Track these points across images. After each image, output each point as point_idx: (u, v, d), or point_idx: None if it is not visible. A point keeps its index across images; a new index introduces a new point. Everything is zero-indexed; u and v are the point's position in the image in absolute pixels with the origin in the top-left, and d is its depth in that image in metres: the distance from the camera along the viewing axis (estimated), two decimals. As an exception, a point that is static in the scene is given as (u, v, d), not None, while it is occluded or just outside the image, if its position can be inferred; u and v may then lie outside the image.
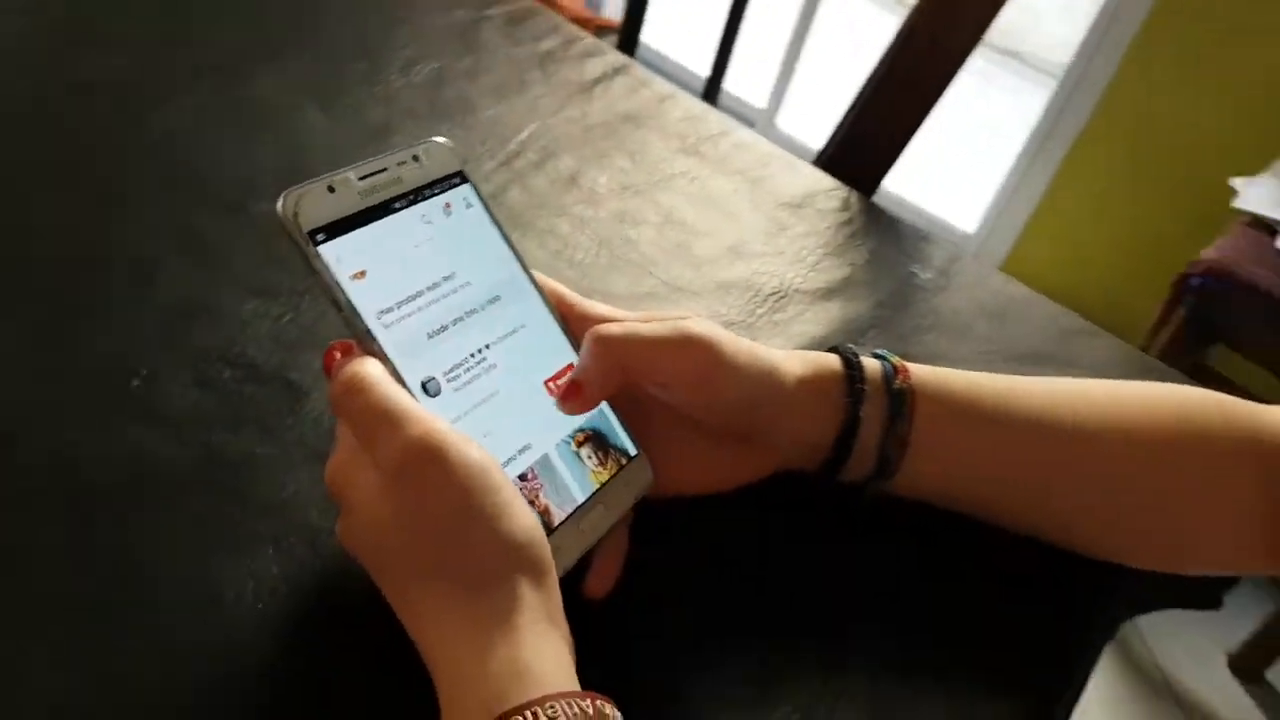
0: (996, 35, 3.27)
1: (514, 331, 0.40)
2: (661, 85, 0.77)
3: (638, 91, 0.76)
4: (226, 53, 0.66)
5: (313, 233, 0.36)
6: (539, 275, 0.42)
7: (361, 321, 0.36)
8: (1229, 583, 0.60)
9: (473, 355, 0.38)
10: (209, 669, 0.34)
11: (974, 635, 0.43)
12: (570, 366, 0.41)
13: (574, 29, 0.82)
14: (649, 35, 1.71)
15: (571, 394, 0.39)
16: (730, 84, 2.12)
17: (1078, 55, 1.94)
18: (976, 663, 0.42)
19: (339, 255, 0.36)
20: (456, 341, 0.38)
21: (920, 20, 0.73)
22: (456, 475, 0.33)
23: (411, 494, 0.33)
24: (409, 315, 0.37)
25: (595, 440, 0.40)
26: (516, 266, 0.41)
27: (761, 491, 0.43)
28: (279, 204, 0.36)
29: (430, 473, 0.33)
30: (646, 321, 0.41)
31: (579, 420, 0.40)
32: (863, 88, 0.79)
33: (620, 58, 0.79)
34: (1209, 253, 1.35)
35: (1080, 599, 0.46)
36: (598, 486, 0.39)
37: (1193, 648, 1.61)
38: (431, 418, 0.34)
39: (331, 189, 0.37)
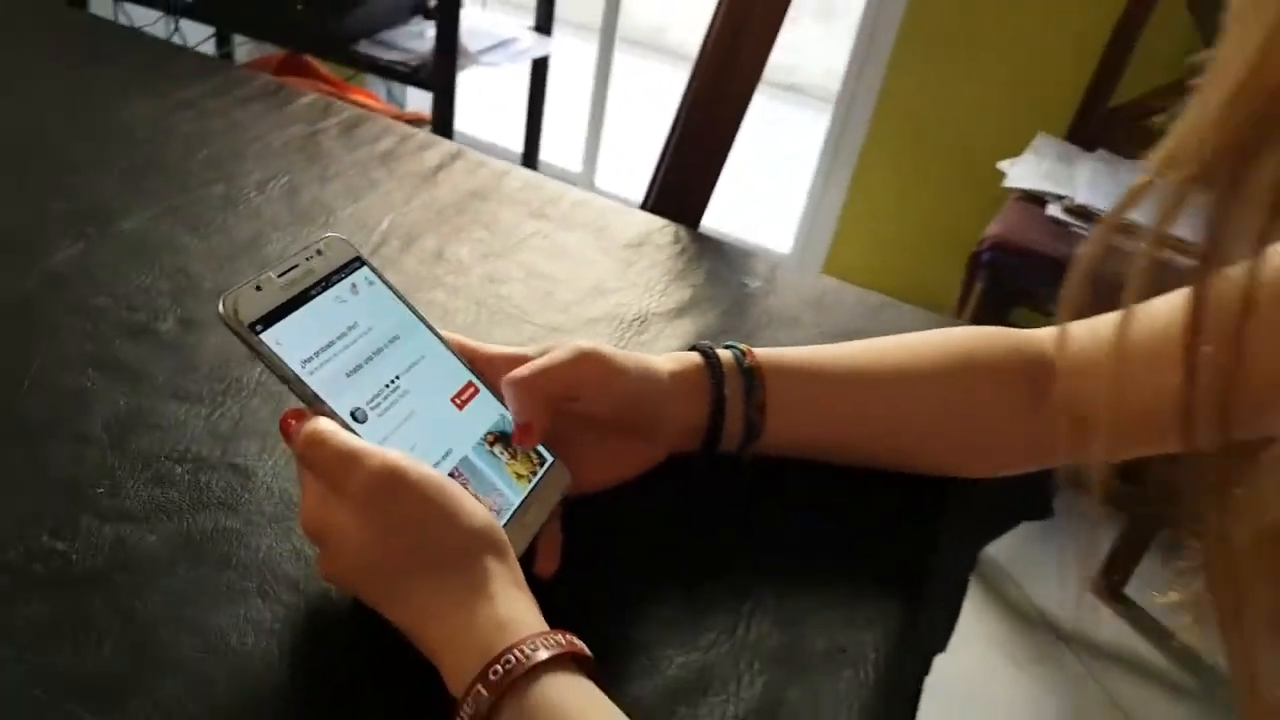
0: (776, 74, 3.51)
1: (417, 362, 0.48)
2: (496, 163, 0.86)
3: (476, 172, 0.84)
4: (97, 198, 0.71)
5: (252, 325, 0.43)
6: (445, 332, 0.50)
7: (308, 388, 0.43)
8: (1053, 492, 0.72)
9: (387, 385, 0.46)
10: (229, 700, 0.40)
11: (847, 556, 0.52)
12: (470, 384, 0.49)
13: (405, 127, 0.90)
14: (459, 123, 1.80)
15: (524, 434, 0.48)
16: (545, 154, 2.24)
17: (845, 79, 2.14)
18: (853, 577, 0.51)
19: (277, 339, 0.43)
20: (373, 376, 0.46)
21: (706, 73, 0.85)
22: (416, 489, 0.40)
23: (383, 512, 0.40)
24: (330, 360, 0.45)
25: (503, 439, 0.48)
26: (412, 316, 0.49)
27: (662, 473, 0.52)
28: (219, 307, 0.43)
29: (396, 492, 0.40)
30: (542, 353, 0.49)
31: (486, 425, 0.48)
32: (668, 138, 0.90)
33: (453, 145, 0.88)
34: (992, 229, 1.53)
35: (925, 522, 0.56)
36: (526, 489, 0.47)
37: (1063, 582, 1.77)
38: (383, 450, 0.41)
39: (259, 288, 0.44)
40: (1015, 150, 1.75)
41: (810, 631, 0.47)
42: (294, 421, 0.43)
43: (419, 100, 2.49)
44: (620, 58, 2.54)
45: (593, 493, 0.51)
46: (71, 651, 0.41)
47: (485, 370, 0.50)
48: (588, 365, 0.49)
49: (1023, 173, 1.65)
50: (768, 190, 2.99)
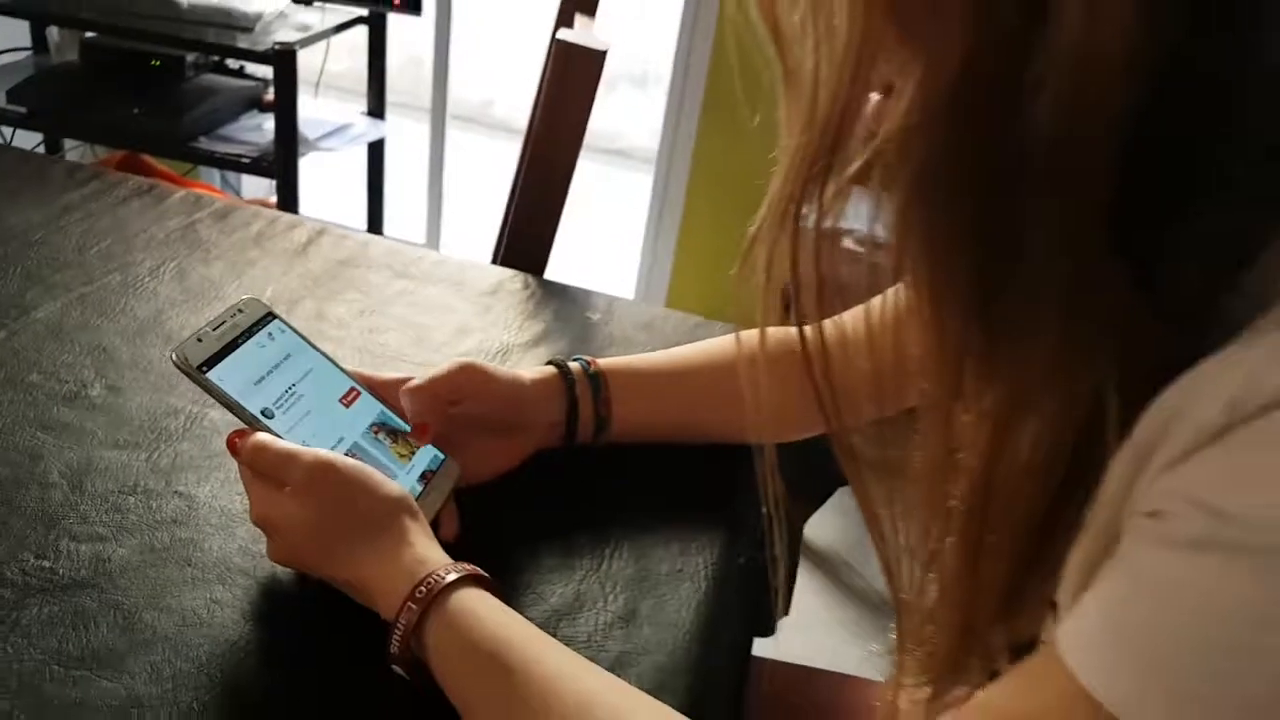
0: (602, 140, 3.73)
1: (307, 374, 0.60)
2: (358, 235, 0.99)
3: (341, 244, 0.96)
4: (7, 295, 0.80)
5: (198, 367, 0.55)
6: (349, 367, 0.63)
7: (247, 411, 0.55)
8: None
9: (287, 390, 0.58)
10: (207, 656, 0.51)
11: (680, 508, 0.67)
12: (353, 389, 0.62)
13: (271, 211, 1.02)
14: (303, 207, 1.90)
15: (420, 432, 0.61)
16: (389, 230, 2.35)
17: (661, 142, 2.35)
18: (685, 522, 0.65)
19: (220, 376, 0.55)
20: (276, 383, 0.58)
21: (536, 142, 1.00)
22: (343, 473, 0.53)
23: (320, 495, 0.52)
24: (262, 389, 0.57)
25: (386, 429, 0.61)
26: (305, 343, 0.61)
27: (538, 463, 0.65)
28: (171, 356, 0.55)
29: (329, 476, 0.52)
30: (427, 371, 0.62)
31: (369, 419, 0.61)
32: (509, 200, 1.05)
33: (317, 223, 1.00)
34: (755, 256, 1.73)
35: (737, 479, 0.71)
36: (409, 465, 0.59)
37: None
38: (313, 449, 0.53)
39: (200, 339, 0.56)
40: (816, 191, 1.96)
41: (655, 561, 0.61)
42: (238, 439, 0.55)
43: (254, 187, 2.57)
44: (452, 133, 2.68)
45: (477, 483, 0.64)
46: (74, 636, 0.51)
47: (383, 392, 0.63)
48: (466, 374, 0.62)
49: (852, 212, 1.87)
50: (609, 246, 3.17)
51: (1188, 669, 0.30)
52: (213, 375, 0.55)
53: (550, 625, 0.56)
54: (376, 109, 2.11)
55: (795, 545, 0.91)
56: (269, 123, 1.90)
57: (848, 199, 0.40)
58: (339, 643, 0.53)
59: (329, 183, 2.92)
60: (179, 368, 0.55)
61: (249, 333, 0.59)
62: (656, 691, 0.50)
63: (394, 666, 0.50)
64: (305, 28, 1.89)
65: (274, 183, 1.85)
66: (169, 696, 0.49)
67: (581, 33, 1.06)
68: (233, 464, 0.56)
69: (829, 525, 1.97)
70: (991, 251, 0.35)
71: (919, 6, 0.34)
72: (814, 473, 0.84)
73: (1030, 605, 0.40)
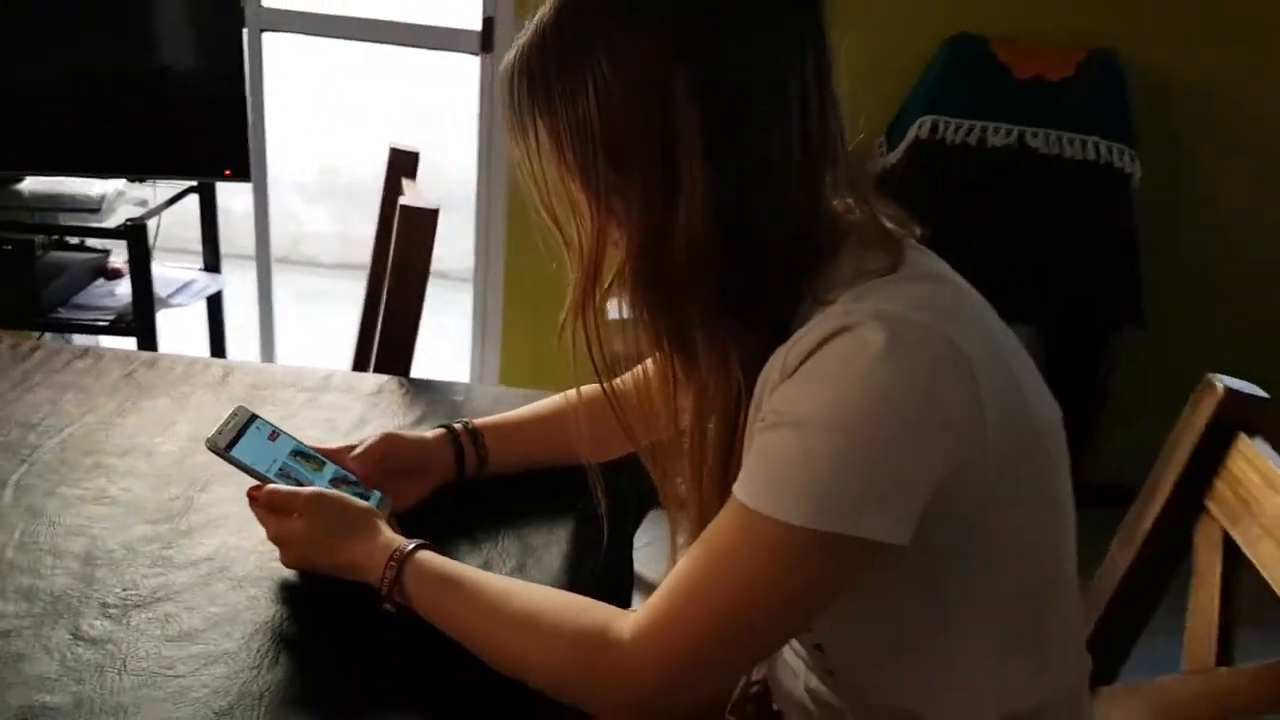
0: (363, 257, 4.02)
1: (287, 448, 0.91)
2: (260, 365, 1.28)
3: (251, 373, 1.26)
4: (13, 443, 1.05)
5: (225, 448, 0.85)
6: (312, 444, 0.94)
7: (260, 472, 0.86)
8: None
9: (277, 459, 0.89)
10: (252, 629, 0.80)
11: (546, 509, 1.00)
12: (315, 457, 0.92)
13: (188, 357, 1.29)
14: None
15: (366, 481, 0.92)
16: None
17: (476, 262, 2.71)
18: (549, 522, 0.99)
19: (239, 453, 0.86)
20: (271, 455, 0.89)
21: (391, 282, 1.33)
22: (330, 498, 0.84)
23: (316, 514, 0.83)
24: (267, 459, 0.88)
25: (343, 481, 0.92)
26: (280, 430, 0.92)
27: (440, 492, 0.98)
28: (206, 443, 0.85)
29: (321, 502, 0.84)
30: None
31: (330, 474, 0.92)
32: (361, 326, 1.36)
33: (226, 362, 1.29)
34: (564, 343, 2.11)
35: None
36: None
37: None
38: (308, 488, 0.84)
39: (220, 433, 0.87)
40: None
41: (531, 537, 0.95)
42: (254, 491, 0.86)
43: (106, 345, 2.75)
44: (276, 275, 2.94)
45: (405, 509, 0.95)
46: (169, 624, 0.79)
47: (336, 457, 0.94)
48: (389, 439, 0.95)
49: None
50: (440, 347, 3.47)
51: (772, 477, 0.66)
52: (234, 453, 0.86)
53: (473, 579, 0.88)
54: (213, 264, 2.37)
55: (627, 548, 1.25)
56: (118, 288, 2.14)
57: (607, 303, 0.76)
58: (343, 606, 0.84)
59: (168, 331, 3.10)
60: (213, 450, 0.85)
61: (245, 427, 0.90)
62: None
63: (386, 607, 0.81)
64: (143, 202, 2.16)
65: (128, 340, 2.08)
66: (244, 648, 0.78)
67: (412, 195, 1.41)
68: (234, 519, 0.88)
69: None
70: (675, 324, 0.73)
71: (617, 217, 0.71)
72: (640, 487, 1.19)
73: (728, 493, 0.77)
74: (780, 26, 0.70)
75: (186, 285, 2.24)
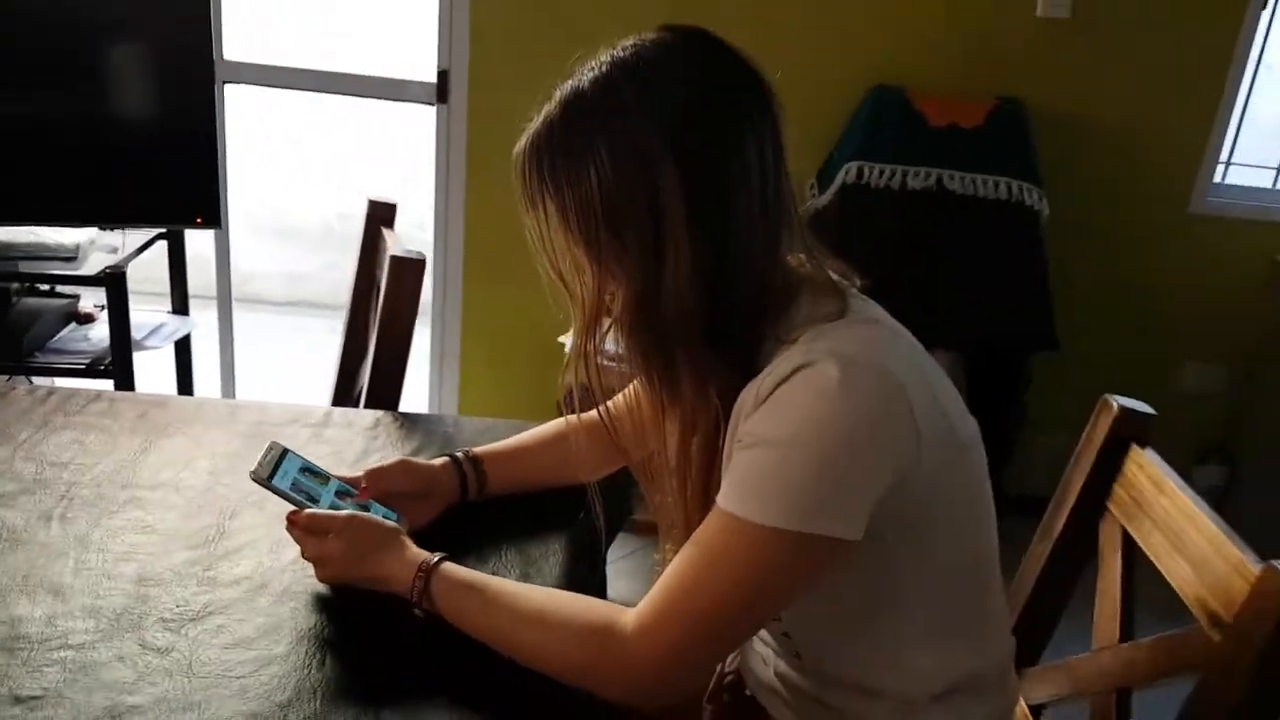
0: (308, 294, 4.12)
1: (317, 478, 1.03)
2: (259, 403, 1.39)
3: (252, 411, 1.37)
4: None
5: (267, 478, 0.97)
6: (336, 473, 1.06)
7: (296, 499, 0.98)
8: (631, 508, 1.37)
9: (310, 488, 1.01)
10: (297, 636, 0.92)
11: (543, 525, 1.13)
12: (344, 491, 1.05)
13: (195, 399, 1.40)
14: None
15: (366, 494, 1.04)
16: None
17: (434, 295, 2.83)
18: (543, 537, 1.12)
19: (278, 483, 0.98)
20: (306, 484, 1.01)
21: (381, 329, 1.45)
22: (362, 520, 0.97)
23: (351, 534, 0.96)
24: (301, 487, 1.00)
25: (361, 508, 1.04)
26: (310, 462, 1.04)
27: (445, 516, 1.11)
28: (251, 475, 0.97)
29: (352, 522, 0.97)
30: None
31: (358, 503, 1.04)
32: (342, 361, 1.48)
33: (225, 401, 1.40)
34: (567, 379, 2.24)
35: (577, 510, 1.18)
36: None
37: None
38: (342, 512, 0.97)
39: (260, 466, 0.99)
40: (566, 327, 2.50)
41: (531, 549, 1.08)
42: (293, 516, 0.98)
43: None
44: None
45: (417, 529, 1.08)
46: (227, 630, 0.91)
47: (354, 482, 1.06)
48: (401, 465, 1.08)
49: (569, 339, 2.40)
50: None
51: (751, 488, 0.81)
52: (275, 482, 0.98)
53: (485, 587, 1.01)
54: (181, 307, 2.46)
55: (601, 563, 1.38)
56: (92, 332, 2.22)
57: (604, 344, 0.90)
58: (375, 614, 0.96)
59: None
60: (256, 481, 0.97)
61: (280, 459, 1.02)
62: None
63: (416, 612, 0.93)
64: (113, 249, 2.24)
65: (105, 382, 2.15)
66: (293, 651, 0.90)
67: (396, 245, 1.54)
68: (264, 541, 1.02)
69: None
70: (663, 361, 0.88)
71: (614, 276, 0.86)
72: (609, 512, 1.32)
73: (709, 504, 0.91)
74: (743, 119, 0.86)
75: (159, 328, 2.32)
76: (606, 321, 0.91)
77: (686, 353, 0.87)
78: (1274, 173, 3.05)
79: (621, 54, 0.87)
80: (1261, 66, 2.93)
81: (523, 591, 0.94)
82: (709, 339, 0.87)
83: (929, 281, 2.55)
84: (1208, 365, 3.10)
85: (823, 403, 0.80)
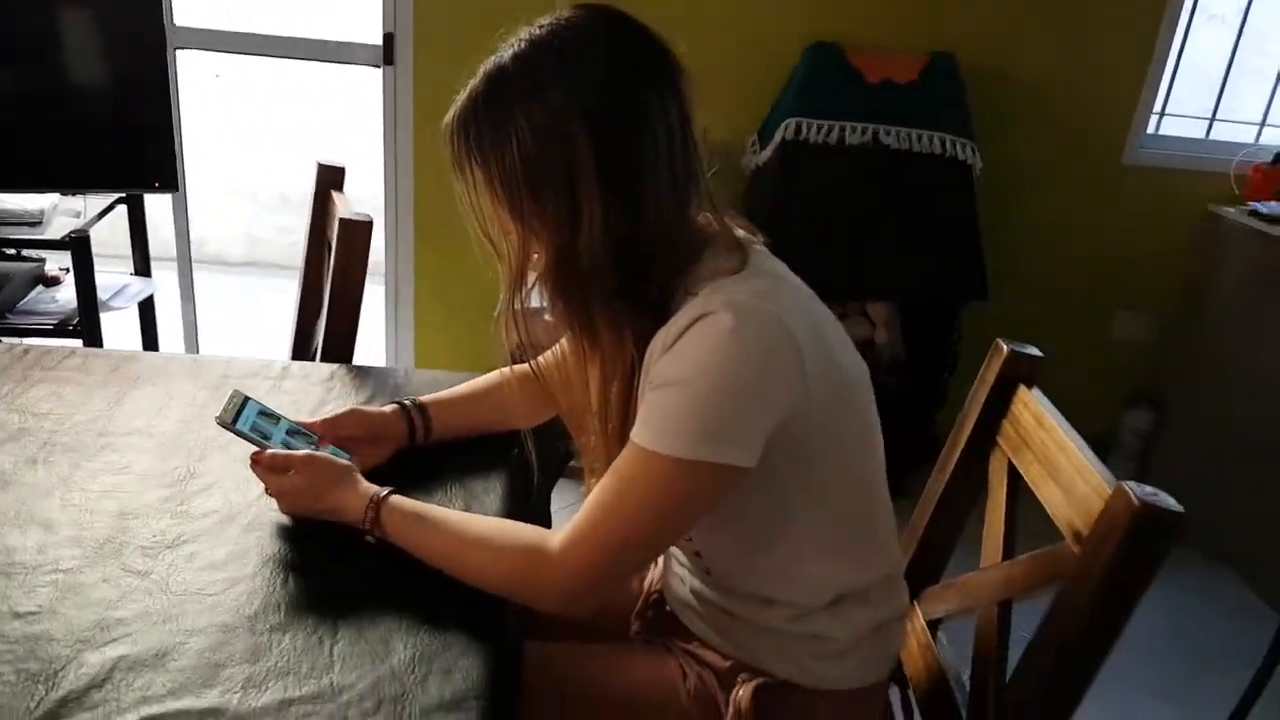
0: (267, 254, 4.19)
1: (277, 421, 1.15)
2: (224, 357, 1.49)
3: (218, 365, 1.47)
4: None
5: (231, 422, 1.08)
6: (295, 418, 1.17)
7: (260, 440, 1.09)
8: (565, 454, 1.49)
9: (270, 430, 1.13)
10: (263, 559, 1.04)
11: (483, 465, 1.25)
12: (299, 430, 1.16)
13: (166, 354, 1.50)
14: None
15: (324, 441, 1.16)
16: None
17: (386, 256, 2.92)
18: (487, 470, 1.24)
19: (240, 425, 1.09)
20: (265, 426, 1.12)
21: (333, 289, 1.55)
22: (320, 459, 1.09)
23: (309, 471, 1.07)
24: (263, 429, 1.11)
25: (314, 446, 1.16)
26: (269, 408, 1.16)
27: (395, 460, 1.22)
28: (216, 419, 1.08)
29: (313, 461, 1.08)
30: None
31: (315, 444, 1.15)
32: (298, 319, 1.58)
33: (192, 357, 1.49)
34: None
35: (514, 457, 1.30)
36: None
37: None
38: (300, 451, 1.08)
39: (225, 411, 1.10)
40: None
41: (474, 484, 1.19)
42: (257, 455, 1.09)
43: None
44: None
45: (368, 470, 1.19)
46: (203, 553, 1.02)
47: (311, 429, 1.17)
48: (352, 412, 1.19)
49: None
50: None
51: (657, 424, 0.93)
52: (239, 425, 1.09)
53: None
54: (143, 269, 2.53)
55: (546, 503, 1.50)
56: (59, 294, 2.29)
57: (532, 297, 1.01)
58: (332, 541, 1.08)
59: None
60: (221, 424, 1.08)
61: (242, 405, 1.13)
62: (490, 527, 1.09)
63: (368, 539, 1.05)
64: (77, 214, 2.31)
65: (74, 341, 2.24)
66: (259, 573, 1.02)
67: (345, 207, 1.64)
68: (231, 480, 1.13)
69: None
70: (583, 313, 0.99)
71: (536, 236, 0.97)
72: (553, 450, 1.44)
73: (626, 440, 1.02)
74: (651, 90, 0.96)
75: (123, 289, 2.40)
76: (531, 279, 1.02)
77: (603, 305, 0.99)
78: (1207, 123, 3.18)
79: (539, 32, 0.97)
80: (1208, 18, 3.02)
81: (462, 519, 1.06)
82: (623, 292, 0.98)
83: (865, 235, 2.67)
84: (1139, 313, 3.25)
85: (718, 347, 0.92)
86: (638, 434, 0.96)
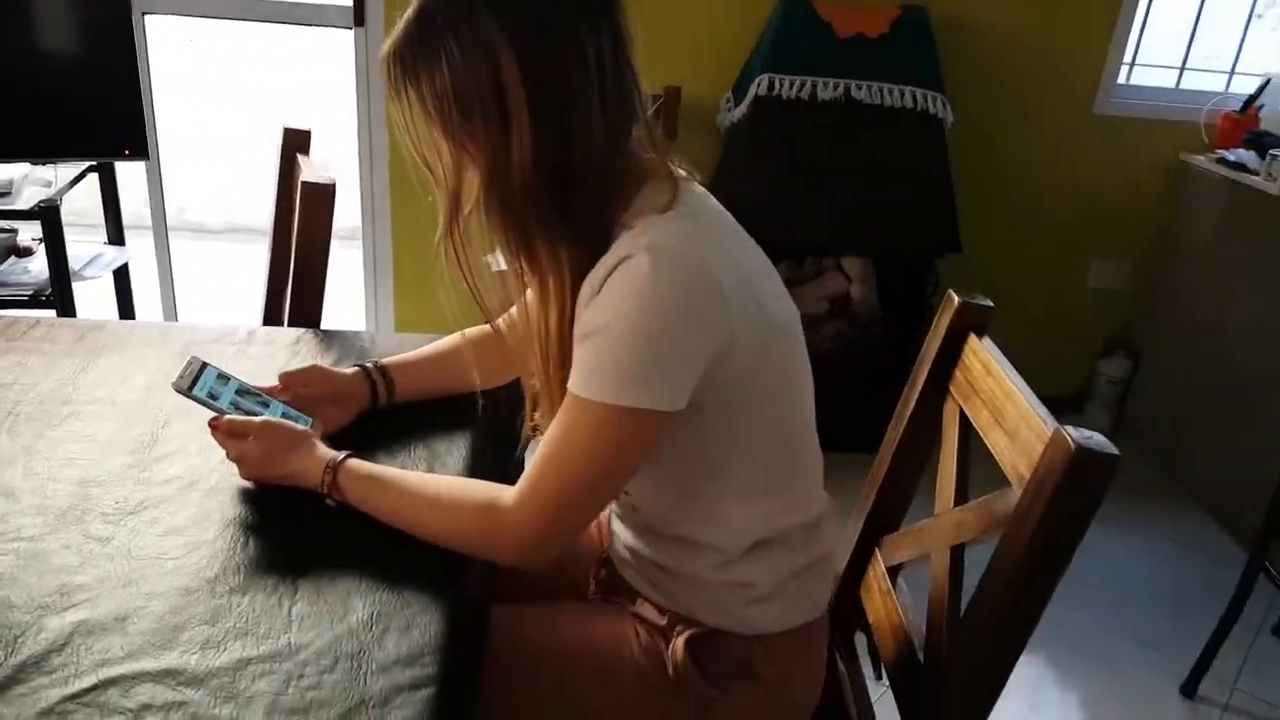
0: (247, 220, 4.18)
1: (233, 386, 1.16)
2: (191, 325, 1.50)
3: (184, 332, 1.48)
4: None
5: (188, 388, 1.10)
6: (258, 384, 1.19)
7: (217, 406, 1.11)
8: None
9: (227, 395, 1.14)
10: (233, 516, 1.06)
11: (444, 425, 1.27)
12: (254, 391, 1.18)
13: (129, 323, 1.51)
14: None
15: (287, 381, 1.18)
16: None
17: (363, 220, 2.92)
18: (450, 431, 1.26)
19: (197, 391, 1.11)
20: (224, 391, 1.14)
21: (298, 252, 1.56)
22: (277, 424, 1.11)
23: (267, 437, 1.09)
24: (219, 395, 1.12)
25: (288, 418, 1.17)
26: (227, 373, 1.17)
27: (358, 421, 1.24)
28: (172, 385, 1.10)
29: (270, 427, 1.10)
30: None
31: (272, 406, 1.17)
32: (269, 286, 1.60)
33: (153, 324, 1.50)
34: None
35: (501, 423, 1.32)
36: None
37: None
38: (258, 418, 1.10)
39: (181, 378, 1.11)
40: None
41: (437, 444, 1.21)
42: (215, 421, 1.10)
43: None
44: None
45: (331, 433, 1.21)
46: (167, 517, 1.04)
47: (273, 394, 1.19)
48: (314, 368, 1.21)
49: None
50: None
51: (588, 373, 0.95)
52: (195, 392, 1.11)
53: (390, 477, 1.15)
54: (116, 238, 2.53)
55: (508, 462, 1.52)
56: (31, 264, 2.30)
57: (467, 223, 1.02)
58: (291, 505, 1.10)
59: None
60: (178, 391, 1.10)
61: (200, 371, 1.14)
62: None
63: (328, 502, 1.07)
64: (48, 183, 2.31)
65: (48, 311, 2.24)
66: (219, 537, 1.04)
67: (309, 171, 1.64)
68: (193, 446, 1.14)
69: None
70: (519, 234, 1.00)
71: (469, 155, 0.97)
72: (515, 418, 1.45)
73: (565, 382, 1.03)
74: (578, 15, 0.96)
75: (96, 258, 2.40)
76: (469, 204, 1.02)
77: (540, 225, 0.99)
78: (1177, 72, 3.18)
79: None
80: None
81: (419, 480, 1.08)
82: (558, 213, 0.99)
83: (839, 189, 2.67)
84: (1113, 262, 3.28)
85: (638, 291, 0.93)
86: (571, 383, 0.98)
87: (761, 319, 1.01)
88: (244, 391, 1.17)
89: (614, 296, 0.94)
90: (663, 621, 1.14)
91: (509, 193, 0.98)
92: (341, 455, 1.09)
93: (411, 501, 1.06)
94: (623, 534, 1.20)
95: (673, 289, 0.94)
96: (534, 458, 1.01)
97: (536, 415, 1.12)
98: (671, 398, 0.96)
